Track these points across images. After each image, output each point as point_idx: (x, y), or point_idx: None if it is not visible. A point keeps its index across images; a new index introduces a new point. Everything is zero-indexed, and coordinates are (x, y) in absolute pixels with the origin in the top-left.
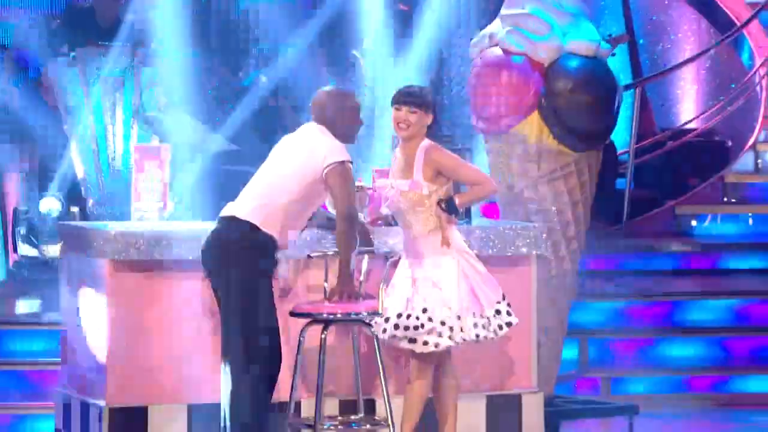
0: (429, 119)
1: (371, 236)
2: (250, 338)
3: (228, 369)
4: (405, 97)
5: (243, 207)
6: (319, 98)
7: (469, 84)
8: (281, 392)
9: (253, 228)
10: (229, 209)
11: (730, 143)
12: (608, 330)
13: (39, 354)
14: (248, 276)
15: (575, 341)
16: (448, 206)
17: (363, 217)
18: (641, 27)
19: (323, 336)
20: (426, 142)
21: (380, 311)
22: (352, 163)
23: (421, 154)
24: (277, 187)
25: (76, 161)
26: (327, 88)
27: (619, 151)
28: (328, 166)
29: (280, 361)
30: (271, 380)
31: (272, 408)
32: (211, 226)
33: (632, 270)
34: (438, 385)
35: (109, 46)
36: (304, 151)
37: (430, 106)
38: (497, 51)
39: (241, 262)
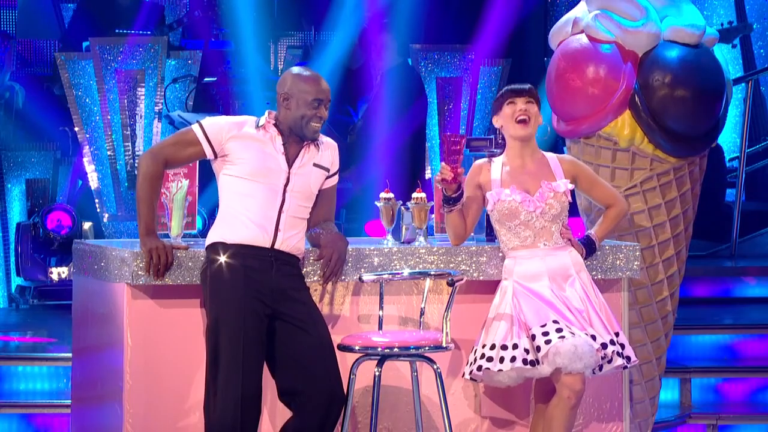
0: (540, 120)
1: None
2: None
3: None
4: (517, 90)
5: None
6: None
7: (548, 78)
8: None
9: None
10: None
11: None
12: (715, 368)
13: (45, 395)
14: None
15: (676, 381)
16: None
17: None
18: (755, 9)
19: (377, 372)
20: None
21: (444, 344)
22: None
23: (555, 160)
24: None
25: (89, 169)
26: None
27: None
28: None
29: None
30: None
31: None
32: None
33: (744, 297)
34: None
35: (128, 35)
36: None
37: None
38: (582, 39)
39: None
